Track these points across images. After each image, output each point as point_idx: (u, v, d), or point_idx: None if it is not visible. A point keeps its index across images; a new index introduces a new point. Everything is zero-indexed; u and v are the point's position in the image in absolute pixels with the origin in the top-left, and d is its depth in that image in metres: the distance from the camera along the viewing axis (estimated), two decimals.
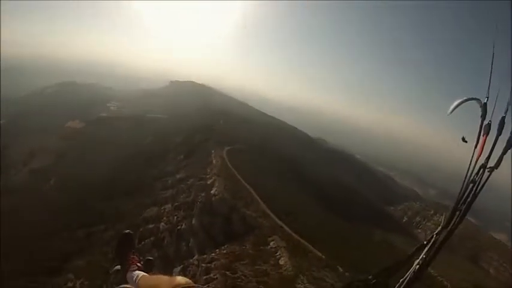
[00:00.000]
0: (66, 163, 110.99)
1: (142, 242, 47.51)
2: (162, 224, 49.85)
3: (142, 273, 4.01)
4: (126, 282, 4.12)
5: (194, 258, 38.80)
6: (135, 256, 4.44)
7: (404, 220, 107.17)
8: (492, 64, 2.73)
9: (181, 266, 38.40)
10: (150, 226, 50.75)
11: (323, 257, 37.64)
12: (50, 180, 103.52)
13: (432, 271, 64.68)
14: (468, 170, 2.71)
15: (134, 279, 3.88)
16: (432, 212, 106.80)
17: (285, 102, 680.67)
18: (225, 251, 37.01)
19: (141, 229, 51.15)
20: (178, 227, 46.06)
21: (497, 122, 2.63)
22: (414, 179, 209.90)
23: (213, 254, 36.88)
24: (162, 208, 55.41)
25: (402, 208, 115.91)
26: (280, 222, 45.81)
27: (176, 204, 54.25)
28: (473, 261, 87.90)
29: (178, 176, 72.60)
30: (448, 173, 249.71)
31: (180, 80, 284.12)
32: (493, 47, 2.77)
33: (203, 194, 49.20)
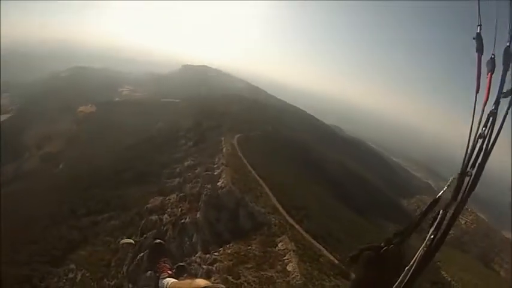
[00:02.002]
0: (76, 148, 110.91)
1: (144, 235, 45.15)
2: (166, 216, 47.22)
3: (172, 279, 4.07)
4: None
5: (197, 255, 36.07)
6: (166, 264, 4.65)
7: (416, 214, 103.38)
8: None
9: (175, 268, 35.75)
10: (154, 218, 48.22)
11: (336, 261, 34.74)
12: (59, 165, 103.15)
13: (445, 274, 62.47)
14: (473, 121, 2.07)
15: (164, 286, 3.94)
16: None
17: (303, 89, 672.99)
18: (229, 251, 34.23)
19: (143, 220, 48.99)
20: (182, 220, 43.29)
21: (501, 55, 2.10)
22: (428, 171, 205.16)
23: (216, 254, 34.13)
24: (167, 198, 52.82)
25: (415, 201, 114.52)
26: (290, 220, 42.91)
27: (182, 194, 51.57)
28: (484, 262, 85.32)
29: (186, 164, 70.21)
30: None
31: (193, 64, 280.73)
32: None
33: (209, 186, 46.29)
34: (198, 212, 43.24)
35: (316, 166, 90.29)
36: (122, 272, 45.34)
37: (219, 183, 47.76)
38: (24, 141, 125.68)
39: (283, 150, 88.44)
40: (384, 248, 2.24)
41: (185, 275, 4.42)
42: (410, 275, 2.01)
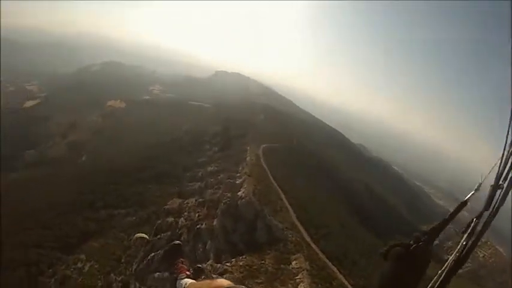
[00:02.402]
0: (101, 141, 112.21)
1: (158, 236, 44.77)
2: (182, 219, 46.71)
3: (190, 280, 4.12)
4: None
5: (208, 263, 35.19)
6: (184, 265, 4.62)
7: (435, 243, 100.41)
8: None
9: (192, 270, 35.17)
10: (170, 219, 47.84)
11: (349, 287, 33.37)
12: (83, 155, 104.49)
13: None
14: (507, 138, 2.07)
15: (183, 286, 3.97)
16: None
17: (333, 103, 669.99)
18: (241, 263, 33.17)
19: (159, 221, 48.70)
20: (198, 226, 42.57)
21: None
22: (452, 199, 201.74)
23: (228, 264, 33.17)
24: (186, 202, 52.32)
25: None
26: (308, 239, 41.63)
27: (201, 200, 50.97)
28: None
29: (209, 169, 70.09)
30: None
31: (227, 70, 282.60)
32: None
33: (229, 195, 45.53)
34: (215, 220, 42.51)
35: (340, 184, 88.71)
36: (130, 270, 45.09)
37: (239, 193, 46.87)
38: (49, 128, 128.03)
39: (307, 164, 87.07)
40: (414, 246, 2.40)
41: (203, 276, 4.41)
42: (443, 278, 2.19)
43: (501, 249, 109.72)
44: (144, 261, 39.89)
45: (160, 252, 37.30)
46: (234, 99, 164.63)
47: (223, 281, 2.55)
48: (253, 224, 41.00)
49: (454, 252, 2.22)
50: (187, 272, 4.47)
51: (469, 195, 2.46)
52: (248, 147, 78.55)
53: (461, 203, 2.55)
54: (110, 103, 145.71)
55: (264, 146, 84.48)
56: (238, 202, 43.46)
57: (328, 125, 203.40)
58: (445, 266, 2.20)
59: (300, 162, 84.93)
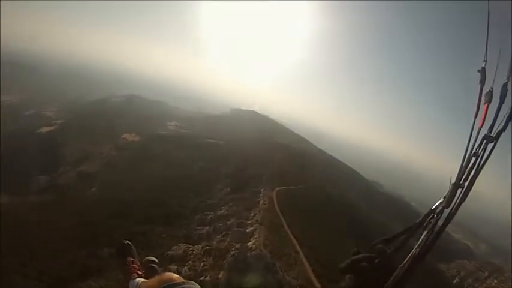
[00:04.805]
0: (112, 173, 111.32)
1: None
2: (186, 268, 43.30)
3: (142, 279, 3.84)
4: None
5: None
6: (135, 265, 4.37)
7: (455, 281, 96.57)
8: (488, 25, 2.63)
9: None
10: (173, 267, 44.37)
11: None
12: (93, 187, 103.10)
13: None
14: (469, 142, 2.53)
15: (135, 286, 3.73)
16: (486, 274, 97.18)
17: (346, 139, 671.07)
18: None
19: (161, 268, 45.14)
20: (202, 277, 39.25)
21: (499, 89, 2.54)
22: (466, 231, 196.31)
23: None
24: (191, 249, 48.97)
25: (455, 266, 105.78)
26: None
27: (207, 248, 47.61)
28: None
29: (219, 213, 66.83)
30: (498, 226, 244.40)
31: (242, 108, 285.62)
32: (488, 4, 2.64)
33: (238, 246, 42.16)
34: (221, 272, 39.05)
35: (360, 229, 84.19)
36: None
37: (249, 243, 43.60)
38: (62, 155, 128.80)
39: (325, 208, 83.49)
40: (377, 260, 2.33)
41: (156, 275, 3.22)
42: (403, 273, 2.20)
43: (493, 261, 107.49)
44: None
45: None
46: (249, 137, 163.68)
47: (172, 275, 2.47)
48: (263, 280, 37.45)
49: (414, 249, 2.26)
50: (139, 272, 4.10)
51: (436, 204, 2.53)
52: (262, 189, 75.84)
53: (429, 211, 2.56)
54: (124, 136, 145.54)
55: (278, 188, 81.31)
56: (248, 254, 40.03)
57: (341, 162, 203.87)
58: (404, 262, 2.21)
59: (317, 206, 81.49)
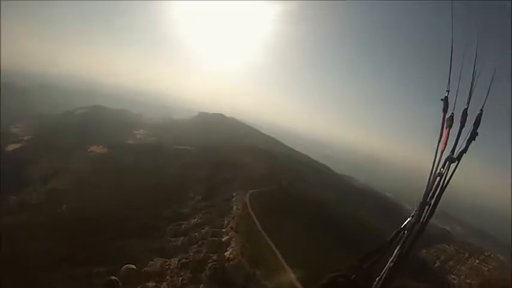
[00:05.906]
0: (82, 188, 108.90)
1: None
2: (164, 284, 42.71)
3: None
4: None
5: None
6: None
7: (436, 265, 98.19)
8: (451, 58, 2.92)
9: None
10: (150, 284, 43.75)
11: None
12: (63, 204, 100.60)
13: None
14: (434, 164, 2.84)
15: None
16: (467, 255, 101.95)
17: (316, 138, 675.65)
18: None
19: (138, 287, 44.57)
20: None
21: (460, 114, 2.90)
22: (445, 216, 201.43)
23: None
24: (167, 263, 48.31)
25: (434, 251, 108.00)
26: None
27: (184, 260, 47.03)
28: None
29: (192, 221, 66.20)
30: (469, 207, 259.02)
31: (209, 111, 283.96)
32: (452, 41, 2.91)
33: (215, 257, 41.88)
34: (201, 286, 38.81)
35: (336, 226, 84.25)
36: None
37: (226, 253, 43.45)
38: (30, 173, 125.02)
39: (300, 208, 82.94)
40: (354, 276, 2.51)
41: None
42: (382, 284, 2.42)
43: (502, 258, 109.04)
44: None
45: None
46: (218, 141, 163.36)
47: None
48: None
49: (388, 262, 2.41)
50: None
51: (405, 222, 2.74)
52: (234, 194, 75.67)
53: (399, 229, 2.73)
54: (92, 148, 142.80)
55: (251, 191, 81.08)
56: (226, 265, 39.94)
57: (314, 160, 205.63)
58: (381, 274, 2.37)
59: (292, 206, 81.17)
